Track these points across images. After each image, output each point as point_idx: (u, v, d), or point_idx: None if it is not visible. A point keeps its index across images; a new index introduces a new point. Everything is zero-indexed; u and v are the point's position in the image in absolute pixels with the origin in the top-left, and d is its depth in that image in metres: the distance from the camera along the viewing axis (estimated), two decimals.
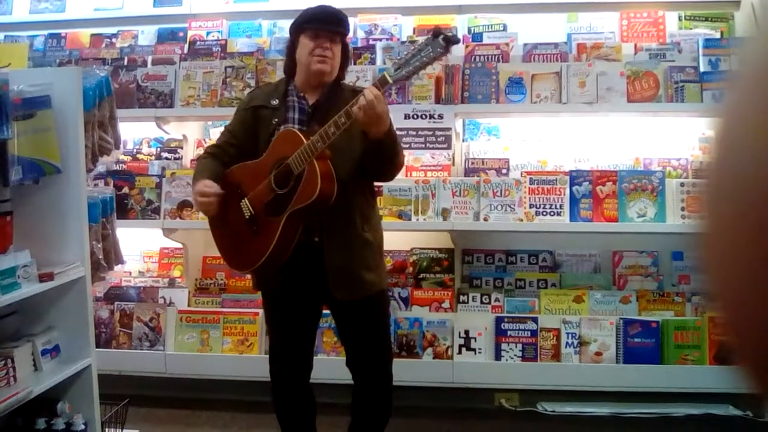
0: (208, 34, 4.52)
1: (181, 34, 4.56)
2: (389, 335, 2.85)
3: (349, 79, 3.75)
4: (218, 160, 2.66)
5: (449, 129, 3.81)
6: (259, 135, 2.59)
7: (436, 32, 2.26)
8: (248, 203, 2.57)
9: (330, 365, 3.21)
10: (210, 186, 2.54)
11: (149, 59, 4.22)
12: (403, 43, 4.11)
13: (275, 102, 2.59)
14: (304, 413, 2.79)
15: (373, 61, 4.02)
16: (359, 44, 4.19)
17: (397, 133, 2.58)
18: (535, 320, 3.58)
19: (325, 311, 2.82)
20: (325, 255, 2.51)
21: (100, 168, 3.83)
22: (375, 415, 2.76)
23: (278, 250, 2.47)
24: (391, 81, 2.33)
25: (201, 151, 4.23)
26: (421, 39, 2.33)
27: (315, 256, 2.52)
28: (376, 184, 2.78)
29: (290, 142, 2.45)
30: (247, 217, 2.57)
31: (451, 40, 2.25)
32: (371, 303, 2.61)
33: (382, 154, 2.46)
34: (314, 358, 2.80)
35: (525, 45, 4.00)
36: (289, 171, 2.44)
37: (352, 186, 2.50)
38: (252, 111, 2.63)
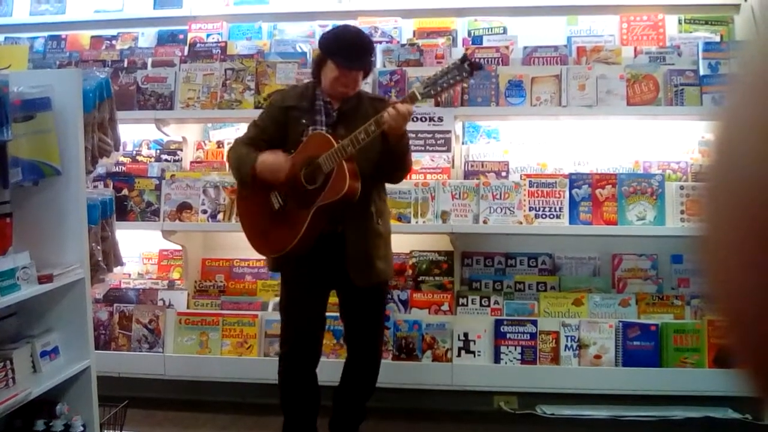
0: (208, 36, 4.52)
1: (181, 36, 4.57)
2: (384, 318, 3.14)
3: None
4: (254, 149, 2.86)
5: (449, 132, 3.82)
6: (288, 132, 2.82)
7: (464, 57, 2.56)
8: (278, 195, 2.80)
9: (330, 367, 3.20)
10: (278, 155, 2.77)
11: (149, 61, 4.22)
12: (403, 45, 4.12)
13: (305, 104, 2.83)
14: (309, 401, 2.94)
15: (373, 64, 4.01)
16: None
17: None
18: (534, 323, 3.58)
19: (327, 314, 3.00)
20: (347, 245, 2.76)
21: (100, 170, 3.83)
22: (362, 384, 3.02)
23: (305, 238, 2.73)
24: (419, 98, 2.62)
25: (201, 153, 4.25)
26: (449, 62, 2.70)
27: (336, 245, 2.76)
28: None
29: (321, 143, 2.70)
30: (276, 207, 2.81)
31: (475, 66, 2.57)
32: (377, 290, 2.89)
33: (396, 153, 2.74)
34: None
35: (525, 48, 4.00)
36: (318, 169, 2.69)
37: (370, 182, 2.75)
38: (285, 110, 2.85)
